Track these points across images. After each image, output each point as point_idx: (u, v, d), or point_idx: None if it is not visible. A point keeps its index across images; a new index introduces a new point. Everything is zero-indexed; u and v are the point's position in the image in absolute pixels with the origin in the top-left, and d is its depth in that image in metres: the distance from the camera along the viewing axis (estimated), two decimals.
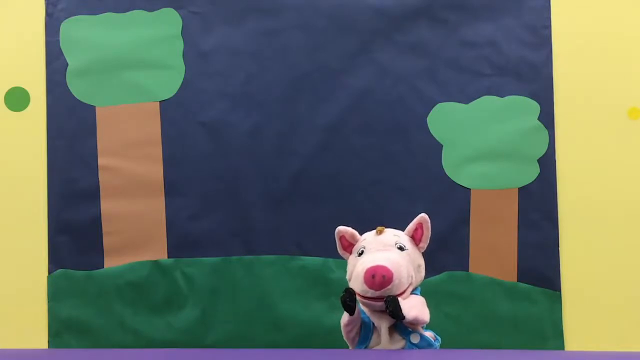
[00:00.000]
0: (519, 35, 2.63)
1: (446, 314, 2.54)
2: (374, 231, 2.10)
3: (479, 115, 2.63)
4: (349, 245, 2.12)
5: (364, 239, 2.09)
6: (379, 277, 1.95)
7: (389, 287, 1.95)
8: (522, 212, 2.59)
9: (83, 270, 2.61)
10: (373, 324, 2.03)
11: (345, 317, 2.02)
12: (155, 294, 2.61)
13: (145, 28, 2.66)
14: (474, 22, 2.64)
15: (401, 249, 2.05)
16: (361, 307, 2.03)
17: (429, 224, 2.10)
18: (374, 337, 2.03)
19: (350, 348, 2.08)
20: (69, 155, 2.64)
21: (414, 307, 1.99)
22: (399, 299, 1.96)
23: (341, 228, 2.12)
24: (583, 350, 2.53)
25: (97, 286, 2.60)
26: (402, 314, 1.94)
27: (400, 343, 2.01)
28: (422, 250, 2.11)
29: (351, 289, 1.99)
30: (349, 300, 1.96)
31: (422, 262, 2.10)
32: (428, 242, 2.10)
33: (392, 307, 1.93)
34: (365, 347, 2.04)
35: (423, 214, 2.10)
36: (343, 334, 2.06)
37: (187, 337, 2.58)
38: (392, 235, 2.08)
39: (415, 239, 2.10)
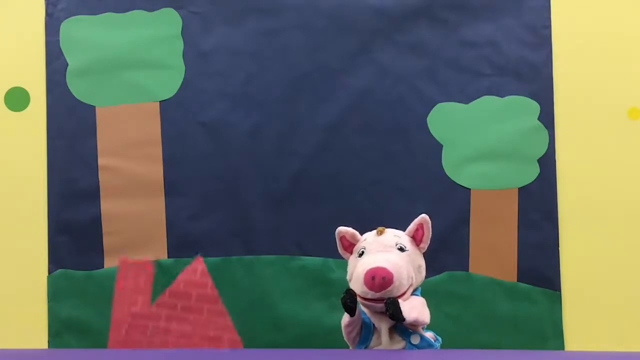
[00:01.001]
0: (519, 35, 2.63)
1: (446, 314, 2.54)
2: (375, 231, 2.10)
3: (479, 115, 2.63)
4: (349, 246, 2.12)
5: (365, 240, 2.09)
6: (378, 279, 1.95)
7: (389, 288, 1.95)
8: (522, 212, 2.59)
9: (83, 270, 2.61)
10: (374, 324, 2.03)
11: (345, 318, 2.02)
12: (155, 294, 2.60)
13: (145, 28, 2.66)
14: (474, 22, 2.64)
15: (401, 249, 2.05)
16: (362, 307, 2.03)
17: (430, 225, 2.10)
18: (375, 337, 2.03)
19: (350, 348, 2.08)
20: (69, 155, 2.64)
21: (415, 309, 1.99)
22: (399, 300, 1.96)
23: (342, 228, 2.12)
24: (583, 350, 2.53)
25: (97, 286, 2.60)
26: (402, 316, 1.93)
27: (400, 344, 2.01)
28: (423, 251, 2.11)
29: (352, 290, 1.98)
30: (349, 301, 1.96)
31: (422, 262, 2.10)
32: (429, 242, 2.10)
33: (392, 310, 1.93)
34: (366, 347, 2.04)
35: (424, 215, 2.10)
36: (344, 334, 2.06)
37: None
38: (392, 235, 2.08)
39: (415, 239, 2.10)
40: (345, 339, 2.07)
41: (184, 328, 2.55)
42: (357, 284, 1.99)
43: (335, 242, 2.13)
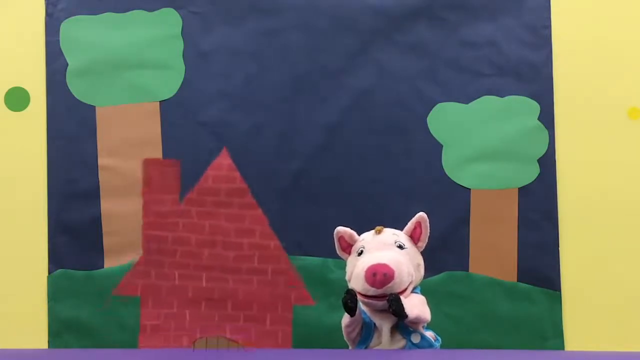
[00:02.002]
0: (519, 35, 2.63)
1: (446, 314, 2.54)
2: (373, 231, 2.10)
3: (479, 115, 2.63)
4: (347, 246, 2.12)
5: (363, 239, 2.09)
6: (380, 275, 1.95)
7: (390, 284, 1.96)
8: (522, 212, 2.59)
9: (83, 270, 2.61)
10: (374, 324, 2.03)
11: (346, 318, 2.02)
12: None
13: (145, 28, 2.66)
14: (474, 22, 2.64)
15: (400, 247, 2.05)
16: (362, 307, 2.03)
17: (428, 223, 2.10)
18: (375, 337, 2.03)
19: (350, 348, 2.08)
20: (69, 155, 2.64)
21: (416, 306, 1.99)
22: (403, 300, 1.96)
23: (340, 229, 2.12)
24: (583, 350, 2.53)
25: (97, 286, 2.60)
26: (405, 312, 1.94)
27: (401, 343, 2.01)
28: (421, 250, 2.11)
29: (352, 290, 1.99)
30: (350, 301, 1.96)
31: (421, 261, 2.10)
32: (427, 241, 2.11)
33: (395, 306, 1.93)
34: (366, 347, 2.04)
35: (421, 213, 2.11)
36: (344, 334, 2.06)
37: None
38: (391, 234, 2.08)
39: (413, 238, 2.10)
40: (345, 339, 2.07)
41: (218, 223, 2.56)
42: (358, 282, 1.99)
43: (334, 242, 2.14)
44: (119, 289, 2.56)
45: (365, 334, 2.04)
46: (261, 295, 2.54)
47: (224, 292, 2.55)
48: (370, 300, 1.99)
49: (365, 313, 2.04)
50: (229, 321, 2.54)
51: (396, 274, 1.97)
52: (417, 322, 2.01)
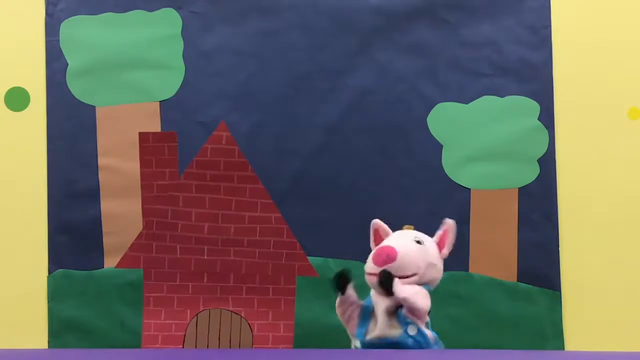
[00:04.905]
0: (519, 35, 2.64)
1: (446, 314, 2.54)
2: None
3: (479, 115, 2.63)
4: (380, 241, 2.13)
5: (391, 234, 2.12)
6: (383, 255, 2.02)
7: (391, 264, 1.99)
8: (522, 212, 2.60)
9: (83, 270, 2.61)
10: (373, 309, 2.04)
11: (338, 298, 2.04)
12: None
13: (145, 28, 2.66)
14: (474, 22, 2.65)
15: (419, 243, 2.06)
16: (371, 293, 2.04)
17: (455, 231, 2.09)
18: (372, 322, 2.04)
19: (347, 331, 2.08)
20: (69, 155, 2.64)
21: (409, 290, 2.00)
22: (396, 279, 1.97)
23: (377, 221, 2.14)
24: (583, 350, 2.53)
25: (97, 286, 2.60)
26: (392, 289, 1.95)
27: (396, 330, 2.01)
28: (444, 257, 2.10)
29: (345, 269, 2.02)
30: (338, 279, 2.01)
31: (437, 262, 2.09)
32: (451, 248, 2.10)
33: (383, 278, 1.97)
34: (365, 331, 2.04)
35: (449, 220, 2.10)
36: (337, 314, 2.07)
37: None
38: (413, 231, 2.10)
39: (440, 246, 2.10)
40: (340, 319, 2.08)
41: (217, 196, 2.56)
42: (367, 262, 2.04)
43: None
44: (120, 262, 2.56)
45: (363, 318, 2.05)
46: (263, 267, 2.55)
47: (226, 265, 2.55)
48: (370, 277, 2.03)
49: (370, 298, 2.06)
50: (232, 293, 2.55)
51: (399, 257, 2.00)
52: (406, 305, 2.00)
